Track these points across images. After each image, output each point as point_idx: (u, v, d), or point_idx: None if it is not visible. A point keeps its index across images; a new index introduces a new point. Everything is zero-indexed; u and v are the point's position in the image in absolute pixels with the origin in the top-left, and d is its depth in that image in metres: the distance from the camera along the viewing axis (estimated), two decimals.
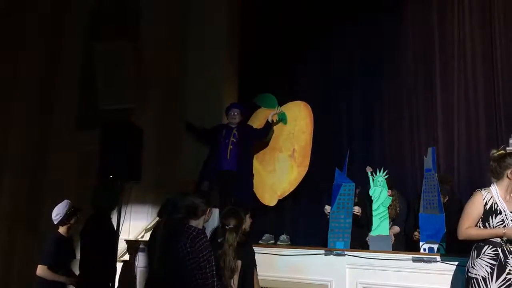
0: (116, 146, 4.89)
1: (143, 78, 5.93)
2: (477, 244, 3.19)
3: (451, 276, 3.81)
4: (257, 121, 5.66)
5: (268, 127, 5.30)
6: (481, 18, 5.15)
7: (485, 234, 3.14)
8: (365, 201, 4.70)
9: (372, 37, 5.68)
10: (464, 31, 5.20)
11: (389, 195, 4.47)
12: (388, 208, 4.46)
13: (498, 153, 3.27)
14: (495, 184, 3.24)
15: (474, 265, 3.13)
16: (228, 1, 6.16)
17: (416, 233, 4.39)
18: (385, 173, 4.52)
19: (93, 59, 5.84)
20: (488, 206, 3.18)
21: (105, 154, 4.90)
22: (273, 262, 4.59)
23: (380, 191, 4.46)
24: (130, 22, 6.17)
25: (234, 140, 5.14)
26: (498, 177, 3.23)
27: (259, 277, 3.96)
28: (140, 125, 5.21)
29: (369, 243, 4.42)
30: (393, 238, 4.48)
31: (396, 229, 4.66)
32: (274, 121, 5.31)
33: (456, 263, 3.81)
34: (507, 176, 3.18)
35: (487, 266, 3.08)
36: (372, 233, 4.40)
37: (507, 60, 4.96)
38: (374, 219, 4.41)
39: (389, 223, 4.48)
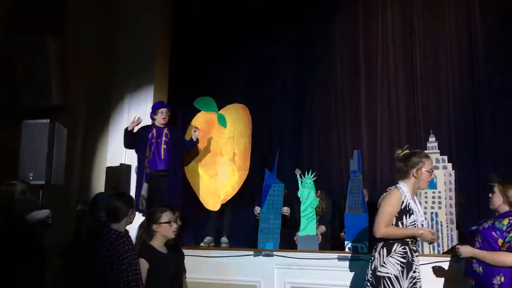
0: (37, 145, 4.66)
1: (69, 76, 5.66)
2: (385, 242, 3.09)
3: None
4: (198, 124, 5.50)
5: (191, 144, 5.19)
6: (402, 27, 5.44)
7: (405, 234, 3.09)
8: (294, 202, 4.79)
9: (302, 40, 5.80)
10: (387, 39, 5.46)
11: (317, 197, 4.59)
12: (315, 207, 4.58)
13: (403, 153, 3.26)
14: (404, 184, 3.18)
15: (385, 264, 3.04)
16: (160, 1, 6.04)
17: (342, 233, 4.52)
18: (313, 175, 4.62)
19: (15, 54, 5.50)
20: (403, 205, 3.11)
21: (25, 153, 4.66)
22: (201, 264, 4.55)
23: (308, 193, 4.55)
24: (56, 18, 5.86)
25: (167, 140, 5.06)
26: (405, 176, 3.18)
27: (188, 280, 3.90)
28: (64, 124, 4.99)
29: (297, 243, 4.51)
30: (320, 238, 4.59)
31: (323, 228, 4.78)
32: (197, 139, 5.18)
33: None
34: (413, 175, 3.17)
35: (398, 264, 3.02)
36: (300, 233, 4.48)
37: (425, 66, 5.26)
38: (302, 219, 4.49)
39: (316, 222, 4.59)
